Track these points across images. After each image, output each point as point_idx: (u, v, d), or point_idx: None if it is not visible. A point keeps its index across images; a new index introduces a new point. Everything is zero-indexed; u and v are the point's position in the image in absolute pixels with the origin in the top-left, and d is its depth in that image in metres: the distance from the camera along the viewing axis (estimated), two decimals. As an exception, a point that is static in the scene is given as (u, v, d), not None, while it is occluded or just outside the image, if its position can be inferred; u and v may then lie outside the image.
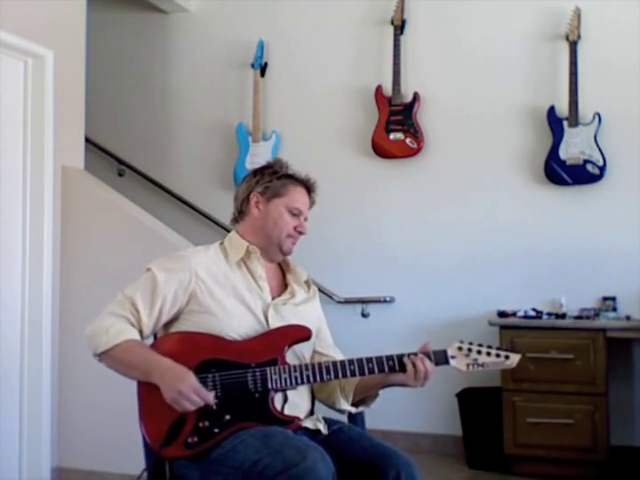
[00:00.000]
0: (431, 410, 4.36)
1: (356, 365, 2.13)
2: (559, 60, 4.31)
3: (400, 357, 2.14)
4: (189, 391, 1.98)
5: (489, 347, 2.16)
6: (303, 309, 2.29)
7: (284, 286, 2.32)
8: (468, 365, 2.14)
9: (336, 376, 2.13)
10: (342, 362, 2.14)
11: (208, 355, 2.09)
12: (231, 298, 2.17)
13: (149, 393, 2.08)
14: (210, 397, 2.02)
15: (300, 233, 2.28)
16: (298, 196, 2.28)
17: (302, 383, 2.12)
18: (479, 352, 2.14)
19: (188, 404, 1.99)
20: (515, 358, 2.15)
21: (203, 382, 2.04)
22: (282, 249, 2.27)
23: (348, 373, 2.13)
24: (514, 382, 3.92)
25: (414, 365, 2.11)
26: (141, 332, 2.14)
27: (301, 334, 2.18)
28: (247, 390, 2.08)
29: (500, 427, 3.94)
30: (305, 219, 2.30)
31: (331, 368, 2.12)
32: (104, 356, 2.11)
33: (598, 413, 3.82)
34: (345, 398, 2.25)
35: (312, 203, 2.34)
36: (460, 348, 2.15)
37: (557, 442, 3.84)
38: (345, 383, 2.25)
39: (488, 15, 4.50)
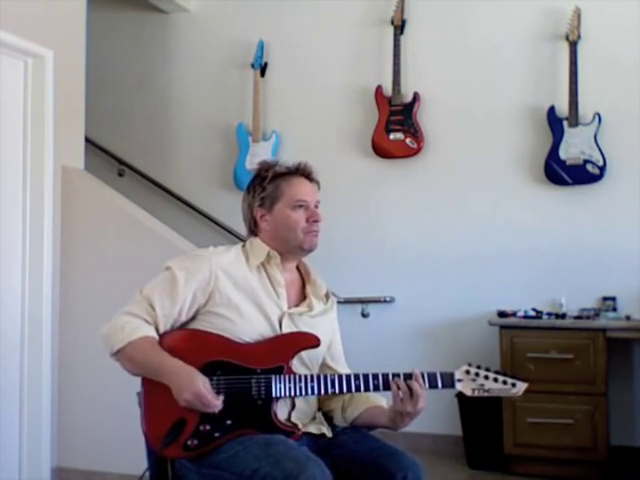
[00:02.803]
0: (431, 410, 4.29)
1: (361, 380, 2.11)
2: (559, 60, 4.31)
3: (407, 375, 2.10)
4: (194, 398, 1.98)
5: (496, 372, 2.14)
6: (319, 321, 2.26)
7: (302, 297, 2.28)
8: (474, 390, 2.12)
9: (340, 391, 2.11)
10: (347, 376, 2.12)
11: (214, 356, 2.08)
12: (248, 302, 2.15)
13: (152, 392, 2.08)
14: (217, 402, 2.01)
15: (315, 222, 2.21)
16: (295, 189, 2.21)
17: (306, 394, 2.10)
18: (486, 377, 2.12)
19: (196, 408, 2.00)
20: (522, 387, 2.12)
21: None
22: (304, 247, 2.21)
23: (353, 388, 2.11)
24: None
25: (417, 385, 2.07)
26: (157, 332, 2.11)
27: (309, 342, 2.14)
28: (250, 396, 2.06)
29: (500, 427, 3.94)
30: (317, 206, 2.24)
31: (336, 382, 2.10)
32: (119, 355, 2.09)
33: (598, 413, 3.81)
34: (344, 420, 2.24)
35: (317, 185, 2.27)
36: (468, 372, 2.13)
37: (557, 442, 3.84)
38: (348, 408, 2.23)
39: (488, 15, 4.50)
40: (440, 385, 2.12)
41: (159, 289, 2.12)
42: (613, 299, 4.12)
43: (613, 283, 4.16)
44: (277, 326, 2.16)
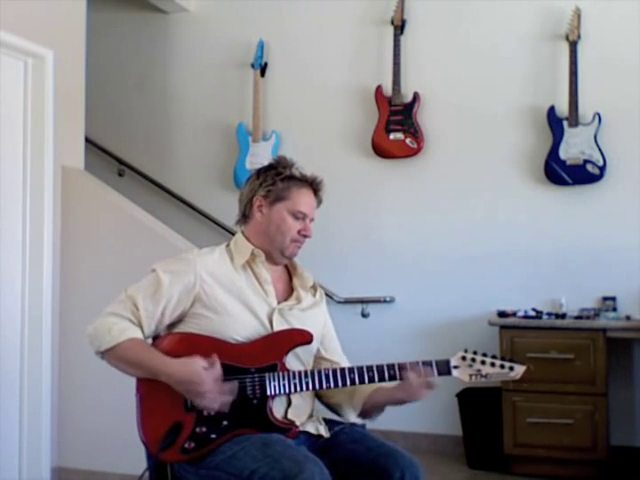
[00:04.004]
0: (431, 410, 4.36)
1: (356, 373, 2.11)
2: (559, 60, 4.31)
3: (401, 366, 2.11)
4: (202, 387, 1.97)
5: (493, 357, 2.13)
6: (309, 314, 2.26)
7: (290, 290, 2.28)
8: (471, 376, 2.10)
9: (335, 385, 2.11)
10: (342, 370, 2.12)
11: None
12: (236, 302, 2.15)
13: (148, 396, 2.09)
14: (217, 370, 2.00)
15: (305, 237, 2.22)
16: (302, 198, 2.21)
17: (301, 390, 2.11)
18: (483, 362, 2.11)
19: (200, 388, 1.99)
20: (520, 370, 2.11)
21: None
22: (284, 253, 2.22)
23: (348, 382, 2.11)
24: (514, 382, 3.90)
25: (416, 374, 2.08)
26: (142, 333, 2.12)
27: (302, 339, 2.15)
28: (245, 396, 2.06)
29: (500, 427, 3.94)
30: (311, 220, 2.25)
31: (330, 376, 2.11)
32: (107, 354, 2.10)
33: (598, 413, 3.81)
34: (353, 410, 2.23)
35: (319, 202, 2.28)
36: (464, 358, 2.11)
37: (557, 442, 3.84)
38: (354, 394, 2.22)
39: (488, 15, 4.50)
40: (436, 373, 2.11)
41: (143, 291, 2.13)
42: (613, 299, 4.12)
43: (613, 283, 4.15)
44: (267, 323, 2.16)
